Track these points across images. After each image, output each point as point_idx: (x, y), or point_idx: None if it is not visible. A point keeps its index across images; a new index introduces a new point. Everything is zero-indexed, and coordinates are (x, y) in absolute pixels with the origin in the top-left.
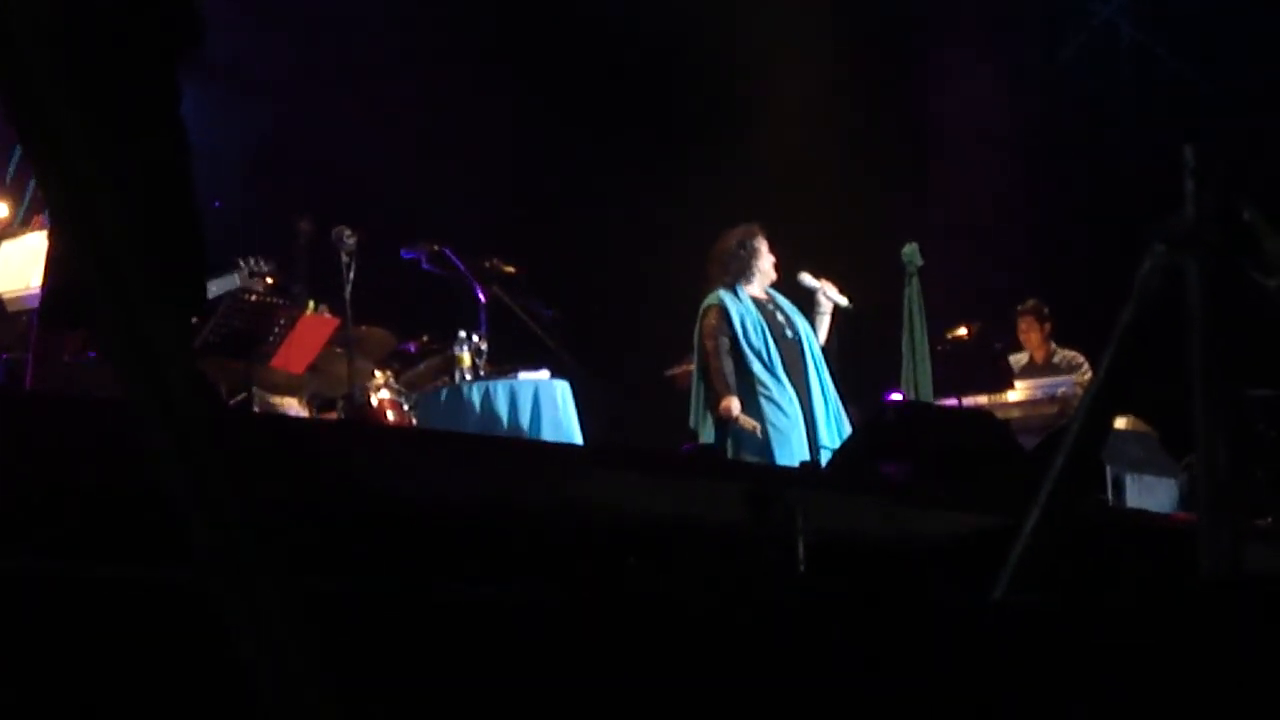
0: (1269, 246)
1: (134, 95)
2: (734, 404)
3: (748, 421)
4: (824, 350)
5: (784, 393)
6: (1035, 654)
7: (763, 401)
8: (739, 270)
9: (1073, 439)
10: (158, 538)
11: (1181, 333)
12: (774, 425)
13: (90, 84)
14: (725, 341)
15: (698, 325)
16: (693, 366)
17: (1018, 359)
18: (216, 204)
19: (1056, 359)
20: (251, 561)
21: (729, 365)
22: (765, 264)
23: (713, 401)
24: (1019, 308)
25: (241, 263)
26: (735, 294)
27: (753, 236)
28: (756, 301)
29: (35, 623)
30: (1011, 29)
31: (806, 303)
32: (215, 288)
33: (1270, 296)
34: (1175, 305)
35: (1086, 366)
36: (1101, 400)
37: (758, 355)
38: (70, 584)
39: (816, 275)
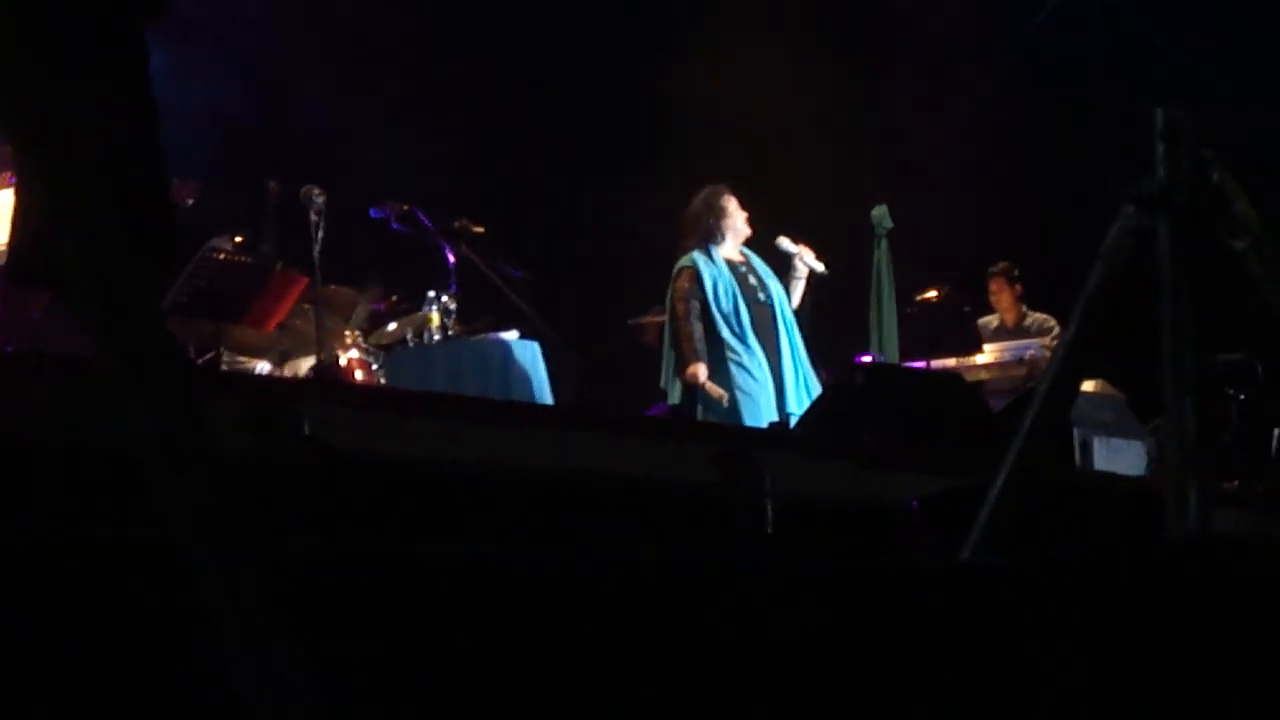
0: (1238, 208)
1: (101, 54)
2: (701, 370)
3: (714, 389)
4: (796, 314)
5: (753, 357)
6: (1003, 615)
7: (731, 366)
8: (708, 231)
9: (1040, 401)
10: (126, 496)
11: (1150, 295)
12: (742, 390)
13: (56, 43)
14: (696, 305)
15: (670, 287)
16: (658, 319)
17: (988, 321)
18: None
19: (1027, 321)
20: (221, 520)
21: (699, 330)
22: (736, 222)
23: (681, 366)
24: (990, 269)
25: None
26: (709, 255)
27: (718, 197)
28: (730, 263)
29: None
30: None
31: (783, 265)
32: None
33: (1239, 257)
34: (1144, 267)
35: (1058, 329)
36: (1070, 362)
37: (727, 319)
38: (39, 546)
39: (795, 240)
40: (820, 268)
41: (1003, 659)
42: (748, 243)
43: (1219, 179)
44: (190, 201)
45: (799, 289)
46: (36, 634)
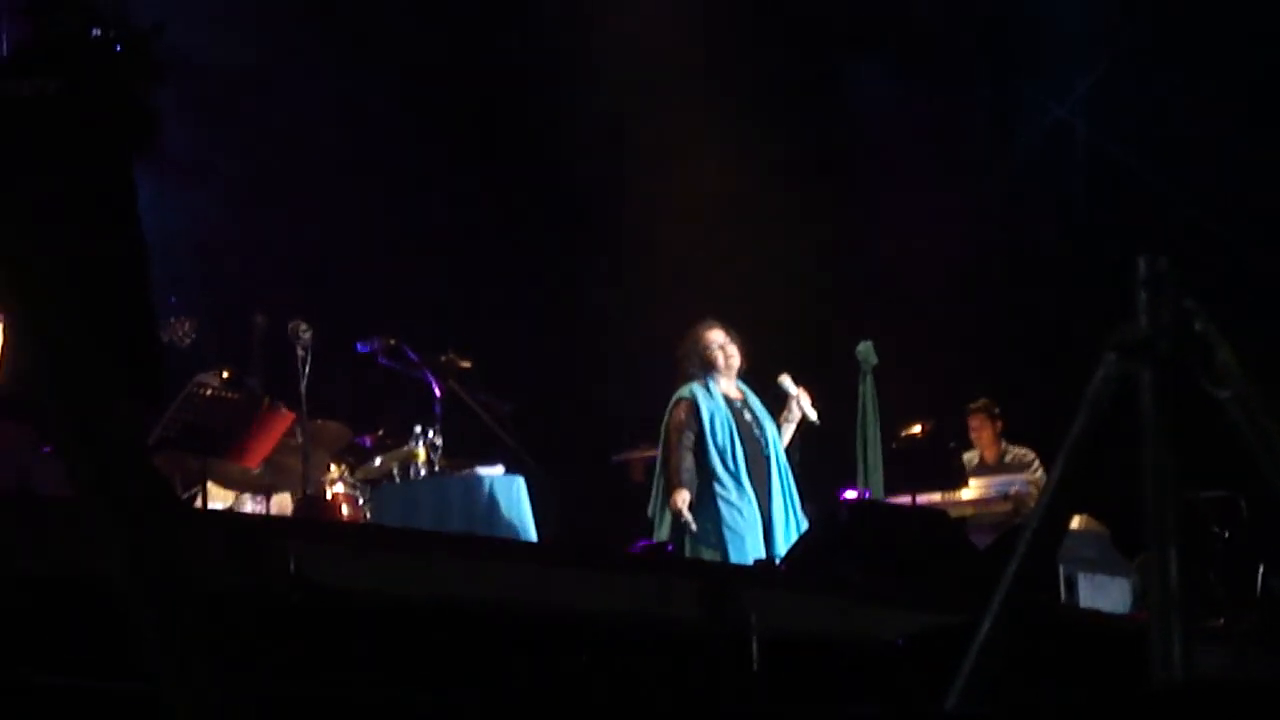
0: (1221, 357)
1: (90, 190)
2: (683, 497)
3: (688, 520)
4: (786, 452)
5: (743, 495)
6: None
7: (720, 503)
8: (701, 367)
9: (1026, 544)
10: (109, 637)
11: (1133, 434)
12: (730, 527)
13: (47, 180)
14: (690, 436)
15: (666, 416)
16: (645, 454)
17: (969, 457)
18: (171, 300)
19: (1008, 457)
20: (200, 662)
21: (689, 460)
22: (725, 357)
23: (667, 492)
24: (970, 405)
25: (172, 320)
26: (707, 389)
27: (703, 334)
28: (727, 399)
29: None
30: (966, 126)
31: (777, 402)
32: None
33: (1222, 406)
34: (1127, 408)
35: (1038, 463)
36: (1055, 507)
37: (721, 454)
38: (12, 692)
39: (796, 382)
40: (813, 415)
41: None
42: (745, 374)
43: (1202, 328)
44: (188, 340)
45: (789, 430)
46: None
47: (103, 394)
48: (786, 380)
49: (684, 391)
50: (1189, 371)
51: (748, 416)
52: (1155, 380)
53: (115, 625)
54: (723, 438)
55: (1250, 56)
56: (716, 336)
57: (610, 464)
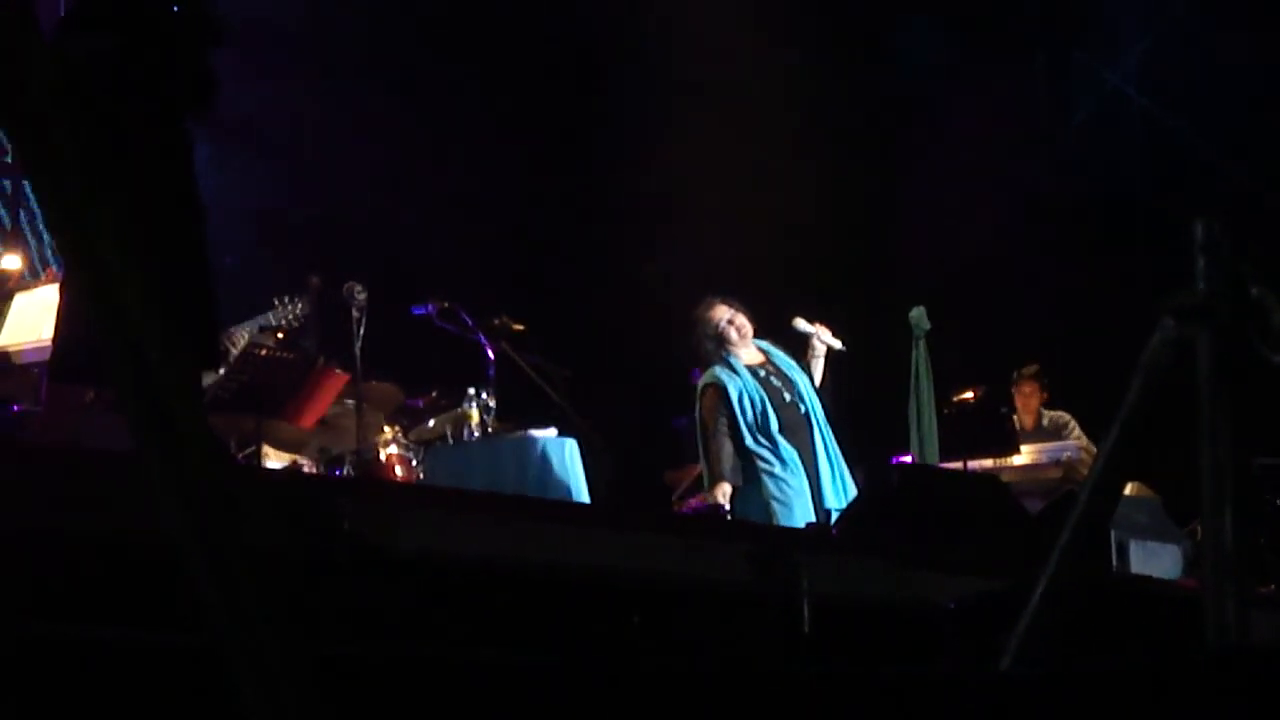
0: (1276, 322)
1: (147, 153)
2: (723, 491)
3: (728, 512)
4: (819, 391)
5: (785, 465)
6: None
7: (765, 479)
8: (714, 347)
9: (1081, 509)
10: (166, 595)
11: (1187, 402)
12: (778, 500)
13: (104, 143)
14: (724, 422)
15: (697, 403)
16: (693, 473)
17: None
18: (228, 260)
19: (1045, 421)
20: (258, 619)
21: (728, 447)
22: (737, 329)
23: (710, 483)
24: (1021, 371)
25: (276, 301)
26: (730, 367)
27: (701, 320)
28: (751, 368)
29: (34, 689)
30: (1021, 95)
31: (801, 346)
32: (250, 326)
33: (1277, 370)
34: (1183, 373)
35: (1074, 424)
36: (1110, 472)
37: (756, 432)
38: (75, 648)
39: (810, 320)
40: (838, 345)
41: None
42: (769, 335)
43: (1258, 293)
44: (298, 323)
45: (819, 368)
46: None
47: (163, 351)
48: (801, 322)
49: (708, 377)
50: (1245, 336)
51: (776, 381)
52: (1211, 345)
53: (172, 582)
54: (755, 414)
55: None
56: (721, 313)
57: (668, 428)
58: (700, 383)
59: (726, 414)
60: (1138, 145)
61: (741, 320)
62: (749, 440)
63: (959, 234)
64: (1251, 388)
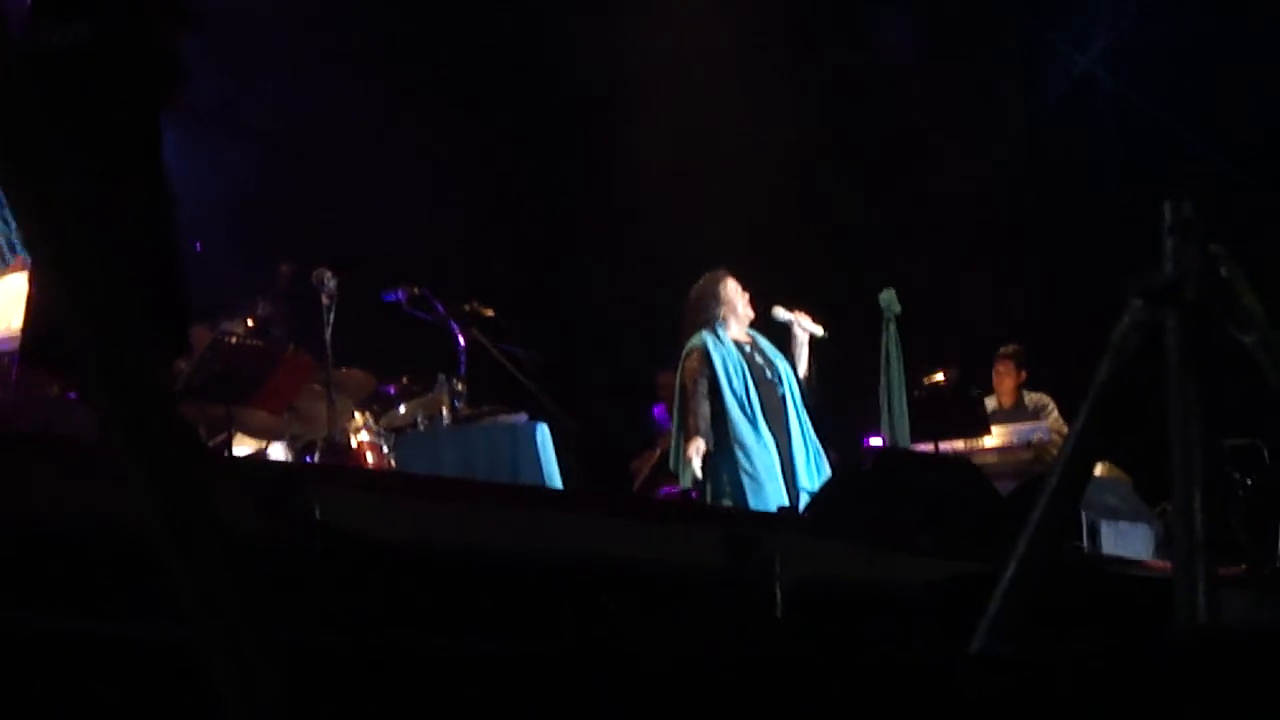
0: (1245, 303)
1: (116, 140)
2: (697, 446)
3: (697, 469)
4: (805, 382)
5: (760, 440)
6: (1013, 706)
7: (738, 451)
8: (713, 317)
9: (1051, 491)
10: (135, 582)
11: (1156, 383)
12: (748, 473)
13: (73, 129)
14: (704, 384)
15: (680, 367)
16: (651, 459)
17: (987, 403)
18: (197, 246)
19: (1025, 401)
20: (231, 607)
21: (705, 408)
22: (737, 306)
23: (685, 441)
24: (1000, 350)
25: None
26: (717, 336)
27: (716, 283)
28: (737, 344)
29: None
30: (991, 77)
31: (783, 336)
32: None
33: (1247, 351)
34: (1151, 354)
35: (1054, 408)
36: (1080, 454)
37: (737, 400)
38: (43, 639)
39: (789, 307)
40: (819, 331)
41: None
42: (753, 324)
43: (1227, 273)
44: (250, 324)
45: (803, 356)
46: None
47: (131, 339)
48: (780, 310)
49: (694, 341)
50: (1214, 317)
51: (759, 359)
52: (1180, 326)
53: (142, 570)
54: (738, 383)
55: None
56: (735, 284)
57: (635, 414)
58: (686, 347)
59: (709, 376)
60: (1109, 127)
61: (745, 300)
62: (731, 406)
63: (929, 217)
64: (1221, 368)
